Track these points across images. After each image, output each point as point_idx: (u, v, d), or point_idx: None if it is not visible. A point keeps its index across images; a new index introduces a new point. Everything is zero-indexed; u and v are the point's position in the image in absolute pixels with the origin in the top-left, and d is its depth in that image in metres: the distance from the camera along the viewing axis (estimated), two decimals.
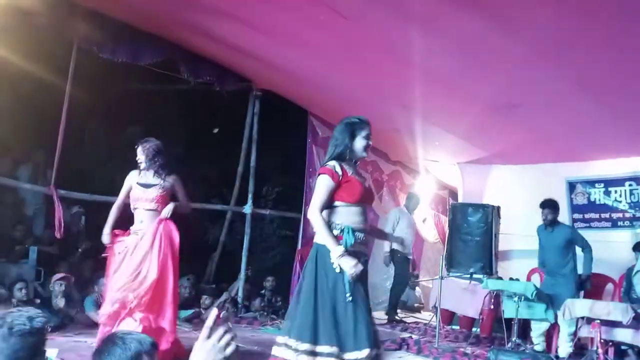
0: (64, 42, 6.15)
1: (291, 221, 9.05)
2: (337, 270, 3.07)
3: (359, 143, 3.33)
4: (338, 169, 3.22)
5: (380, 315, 8.96)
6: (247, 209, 8.15)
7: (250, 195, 8.16)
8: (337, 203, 3.22)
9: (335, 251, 3.06)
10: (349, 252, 3.08)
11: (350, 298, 3.03)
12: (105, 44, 6.18)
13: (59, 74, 6.27)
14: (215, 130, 8.66)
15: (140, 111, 7.93)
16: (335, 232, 3.15)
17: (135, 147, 4.66)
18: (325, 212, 3.22)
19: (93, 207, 6.92)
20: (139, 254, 4.41)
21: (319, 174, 3.30)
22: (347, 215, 3.21)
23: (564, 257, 6.13)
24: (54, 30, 5.87)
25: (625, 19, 4.56)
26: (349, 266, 3.03)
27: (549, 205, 6.35)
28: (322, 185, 3.22)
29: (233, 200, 8.53)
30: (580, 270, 6.12)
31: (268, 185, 9.41)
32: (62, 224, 6.12)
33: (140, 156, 4.60)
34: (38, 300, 5.90)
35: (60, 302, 6.04)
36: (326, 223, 3.16)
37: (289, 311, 3.40)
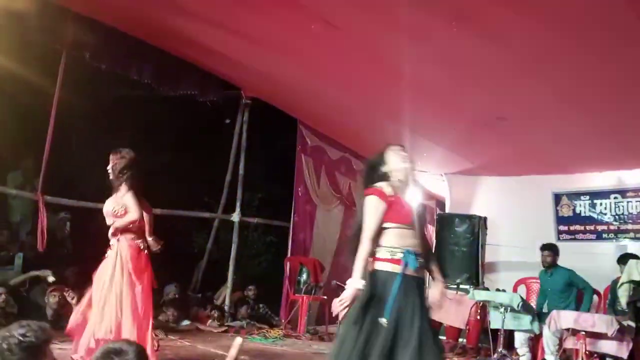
0: (54, 46, 6.10)
1: (276, 228, 9.04)
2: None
3: (397, 165, 3.25)
4: (387, 189, 3.14)
5: None
6: (235, 217, 8.14)
7: (238, 204, 8.14)
8: (387, 225, 3.09)
9: (356, 281, 2.96)
10: (405, 275, 2.97)
11: (386, 323, 2.88)
12: (94, 51, 6.14)
13: (48, 78, 6.22)
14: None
15: (129, 117, 7.90)
16: (391, 254, 3.04)
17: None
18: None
19: (81, 213, 6.86)
20: None
21: (366, 195, 3.18)
22: (402, 237, 3.08)
23: (564, 299, 6.16)
24: (44, 34, 5.81)
25: (611, 35, 4.65)
26: (346, 298, 2.94)
27: (549, 248, 6.36)
28: (372, 208, 3.11)
29: (220, 208, 8.51)
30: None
31: (255, 193, 9.40)
32: (45, 235, 5.99)
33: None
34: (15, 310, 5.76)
35: (53, 312, 5.95)
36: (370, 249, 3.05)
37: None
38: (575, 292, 6.23)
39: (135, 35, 6.47)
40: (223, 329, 7.13)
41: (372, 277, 3.03)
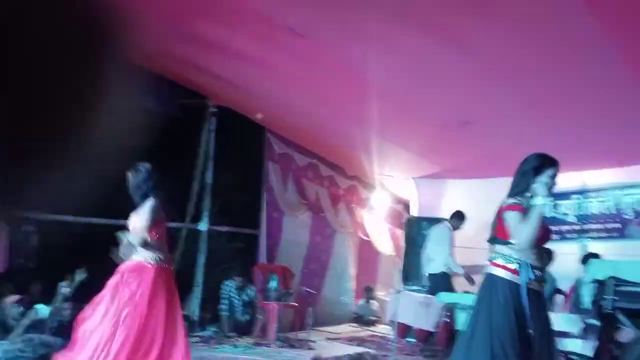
0: None
1: (243, 236, 8.99)
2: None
3: (542, 181, 3.18)
4: (524, 202, 3.16)
5: (337, 329, 9.00)
6: (203, 226, 8.06)
7: (206, 212, 8.07)
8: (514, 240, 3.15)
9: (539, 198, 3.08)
10: (528, 289, 3.05)
11: (532, 332, 2.98)
12: None
13: None
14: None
15: (97, 129, 7.76)
16: (513, 265, 3.10)
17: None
18: (505, 247, 3.17)
19: (46, 226, 6.70)
20: None
21: (507, 210, 3.20)
22: (523, 252, 3.12)
23: None
24: None
25: (571, 42, 4.78)
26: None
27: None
28: (515, 220, 3.12)
29: (188, 217, 8.42)
30: None
31: (222, 201, 9.32)
32: (7, 257, 5.81)
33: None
34: None
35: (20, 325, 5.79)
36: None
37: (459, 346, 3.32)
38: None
39: None
40: (192, 339, 7.05)
41: None
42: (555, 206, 8.26)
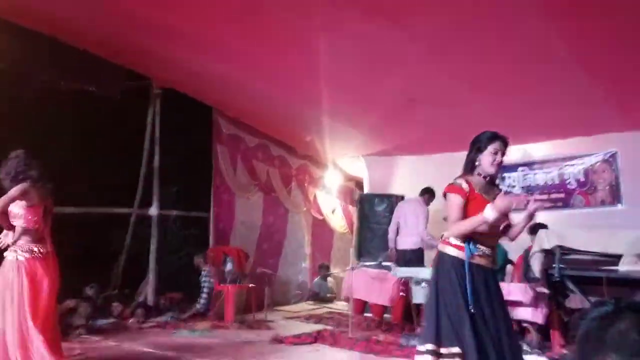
0: None
1: (196, 220, 8.88)
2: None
3: (486, 158, 3.18)
4: (465, 185, 3.14)
5: (295, 308, 9.05)
6: (153, 210, 7.92)
7: (155, 197, 7.92)
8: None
9: (488, 210, 2.97)
10: (471, 264, 3.05)
11: (472, 309, 2.96)
12: None
13: None
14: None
15: (32, 115, 7.46)
16: (459, 242, 3.11)
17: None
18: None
19: None
20: None
21: (445, 192, 3.21)
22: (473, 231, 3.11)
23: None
24: None
25: (513, 18, 4.86)
26: (501, 204, 2.97)
27: None
28: (452, 204, 3.14)
29: (136, 202, 8.24)
30: None
31: (171, 185, 9.17)
32: None
33: None
34: None
35: None
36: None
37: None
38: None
39: (35, 28, 6.10)
40: (148, 324, 6.96)
41: None
42: (502, 178, 8.47)
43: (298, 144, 9.89)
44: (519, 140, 8.27)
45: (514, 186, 8.44)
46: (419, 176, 8.78)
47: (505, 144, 3.22)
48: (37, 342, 3.83)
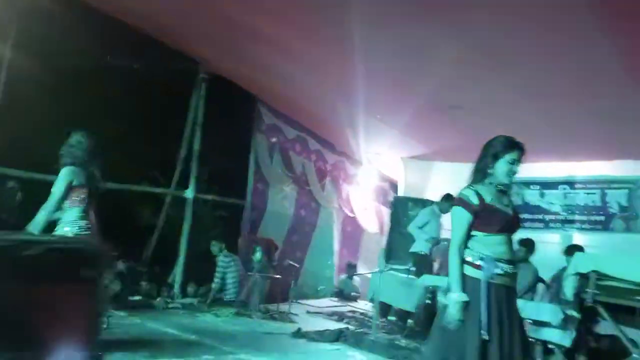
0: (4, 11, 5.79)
1: (230, 206, 8.95)
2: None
3: (501, 167, 2.94)
4: (473, 198, 2.91)
5: (318, 303, 9.05)
6: (189, 193, 8.00)
7: (193, 180, 8.00)
8: (475, 233, 2.93)
9: (454, 296, 2.81)
10: (490, 284, 2.83)
11: (486, 336, 2.76)
12: (46, 17, 5.84)
13: None
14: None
15: (81, 88, 7.60)
16: (473, 259, 2.89)
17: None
18: (470, 240, 2.95)
19: (30, 184, 6.58)
20: None
21: (453, 205, 3.03)
22: (487, 245, 2.90)
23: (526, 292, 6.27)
24: None
25: (569, 35, 4.75)
26: (451, 317, 2.80)
27: (523, 244, 6.35)
28: (457, 219, 2.95)
29: (173, 184, 8.34)
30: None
31: (209, 169, 9.26)
32: None
33: None
34: None
35: None
36: (462, 259, 2.90)
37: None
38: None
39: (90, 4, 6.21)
40: (174, 305, 7.06)
41: None
42: (541, 195, 8.32)
43: (336, 139, 9.87)
44: (562, 156, 8.12)
45: (552, 203, 8.27)
46: (455, 183, 8.63)
47: (523, 152, 2.95)
48: None
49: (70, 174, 3.95)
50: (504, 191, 3.01)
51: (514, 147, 2.93)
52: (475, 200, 2.90)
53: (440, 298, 6.29)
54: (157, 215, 8.65)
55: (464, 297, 2.79)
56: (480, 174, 2.98)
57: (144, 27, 6.87)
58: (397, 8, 4.85)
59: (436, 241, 7.39)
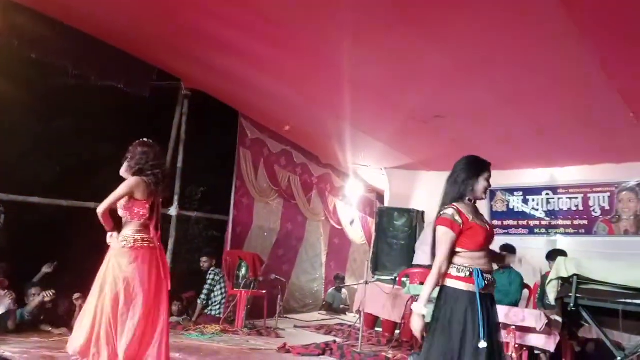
0: None
1: (215, 222, 8.90)
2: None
3: (481, 184, 3.23)
4: (457, 217, 3.11)
5: (306, 317, 9.00)
6: (173, 210, 7.96)
7: (176, 197, 7.96)
8: (459, 249, 3.13)
9: (420, 306, 3.06)
10: (481, 294, 3.03)
11: (484, 345, 2.91)
12: (23, 38, 5.81)
13: None
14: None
15: (63, 108, 7.58)
16: (464, 274, 3.07)
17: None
18: (454, 256, 3.15)
19: (17, 206, 6.52)
20: None
21: (437, 225, 3.17)
22: (472, 259, 3.12)
23: (507, 296, 6.25)
24: None
25: (545, 43, 4.79)
26: (415, 327, 3.08)
27: (505, 249, 6.36)
28: (443, 238, 3.11)
29: None
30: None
31: (194, 186, 9.22)
32: None
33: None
34: None
35: None
36: (440, 275, 3.09)
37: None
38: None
39: (71, 24, 6.19)
40: None
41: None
42: (525, 201, 8.35)
43: (321, 152, 9.88)
44: (545, 162, 8.17)
45: (536, 209, 8.30)
46: (439, 192, 8.69)
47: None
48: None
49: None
50: (476, 207, 3.28)
51: (488, 166, 3.28)
52: (459, 219, 3.10)
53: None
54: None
55: (424, 310, 3.05)
56: (458, 192, 3.20)
57: (126, 46, 6.86)
58: (379, 20, 4.87)
59: None
